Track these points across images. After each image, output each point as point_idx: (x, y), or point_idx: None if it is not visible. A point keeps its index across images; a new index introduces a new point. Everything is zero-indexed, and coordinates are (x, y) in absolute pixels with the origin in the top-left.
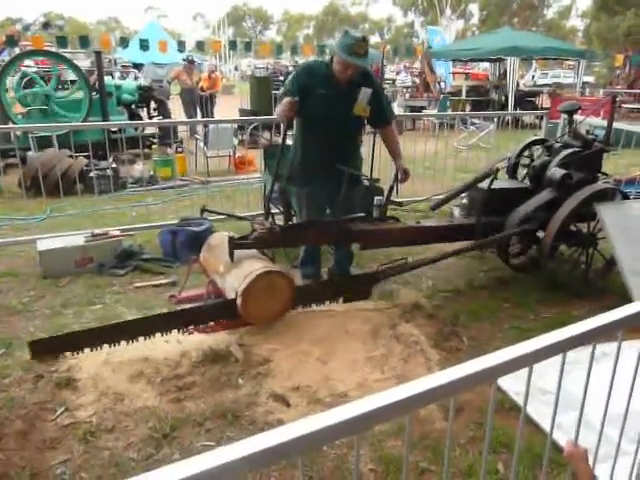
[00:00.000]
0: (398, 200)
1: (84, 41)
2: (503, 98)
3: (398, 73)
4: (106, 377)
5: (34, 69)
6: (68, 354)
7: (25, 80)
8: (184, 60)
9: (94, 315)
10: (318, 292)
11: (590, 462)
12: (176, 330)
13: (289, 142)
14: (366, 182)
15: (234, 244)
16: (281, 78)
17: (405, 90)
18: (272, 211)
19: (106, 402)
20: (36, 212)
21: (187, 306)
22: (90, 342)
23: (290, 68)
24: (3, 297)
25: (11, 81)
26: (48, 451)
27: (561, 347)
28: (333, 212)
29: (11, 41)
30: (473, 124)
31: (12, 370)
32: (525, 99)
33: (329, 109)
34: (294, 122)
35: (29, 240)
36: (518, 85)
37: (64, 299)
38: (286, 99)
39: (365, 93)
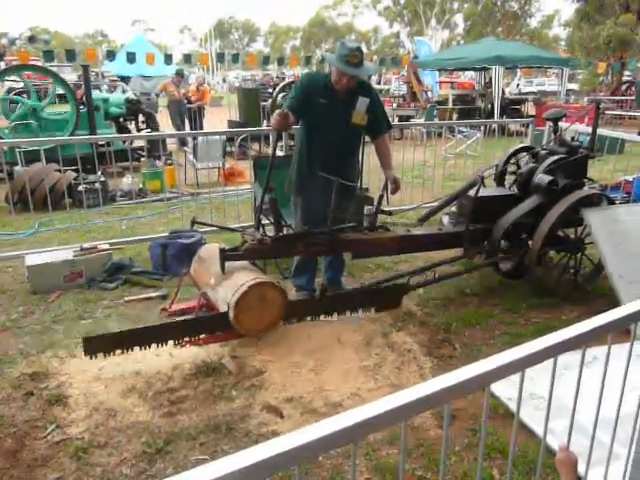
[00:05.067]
0: (388, 209)
1: (70, 55)
2: (489, 106)
3: (386, 83)
4: (97, 393)
5: (20, 84)
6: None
7: (12, 94)
8: (176, 73)
9: (85, 330)
10: (346, 302)
11: (582, 468)
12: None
13: (279, 153)
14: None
15: (225, 256)
16: (269, 90)
17: (393, 100)
18: (263, 222)
19: (98, 418)
20: (24, 227)
21: (179, 319)
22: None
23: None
24: None
25: None
26: (39, 469)
27: (552, 352)
28: (327, 221)
29: None
30: (460, 132)
31: (1, 387)
32: (511, 107)
33: (328, 118)
34: (285, 133)
35: (17, 255)
36: (504, 93)
37: (54, 314)
38: (277, 111)
39: (363, 102)
